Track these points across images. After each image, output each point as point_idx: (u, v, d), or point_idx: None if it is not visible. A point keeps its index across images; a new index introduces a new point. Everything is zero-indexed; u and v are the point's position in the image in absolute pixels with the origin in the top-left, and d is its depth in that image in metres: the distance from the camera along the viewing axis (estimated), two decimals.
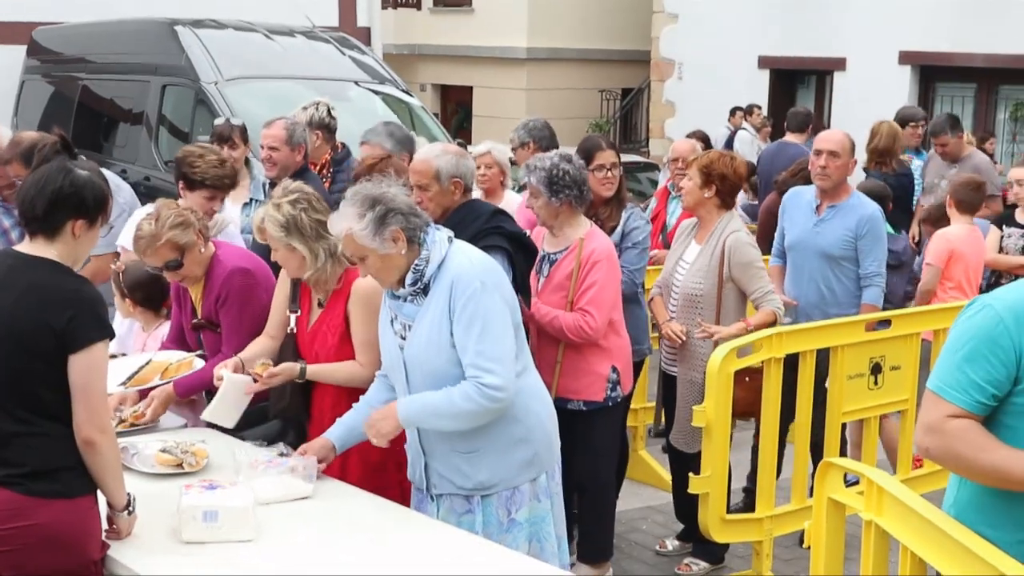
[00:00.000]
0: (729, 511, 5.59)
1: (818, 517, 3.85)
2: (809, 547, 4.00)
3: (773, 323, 5.54)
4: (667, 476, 6.33)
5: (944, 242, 7.24)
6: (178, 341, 5.14)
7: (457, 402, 3.94)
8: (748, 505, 6.06)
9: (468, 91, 24.23)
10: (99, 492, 3.59)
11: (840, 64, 18.05)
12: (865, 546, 3.56)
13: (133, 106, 11.75)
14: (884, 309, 6.70)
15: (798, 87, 19.42)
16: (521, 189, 7.17)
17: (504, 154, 7.02)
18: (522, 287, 4.96)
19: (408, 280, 3.99)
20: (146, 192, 8.98)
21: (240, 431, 4.70)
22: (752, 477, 6.15)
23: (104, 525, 3.64)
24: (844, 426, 5.92)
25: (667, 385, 5.84)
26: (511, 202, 6.62)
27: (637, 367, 5.92)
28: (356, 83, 11.80)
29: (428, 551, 3.71)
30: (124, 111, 11.94)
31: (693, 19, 19.72)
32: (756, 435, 6.01)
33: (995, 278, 7.97)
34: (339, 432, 4.26)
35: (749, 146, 15.23)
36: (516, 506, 4.15)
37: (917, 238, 9.22)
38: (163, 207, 4.88)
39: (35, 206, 3.55)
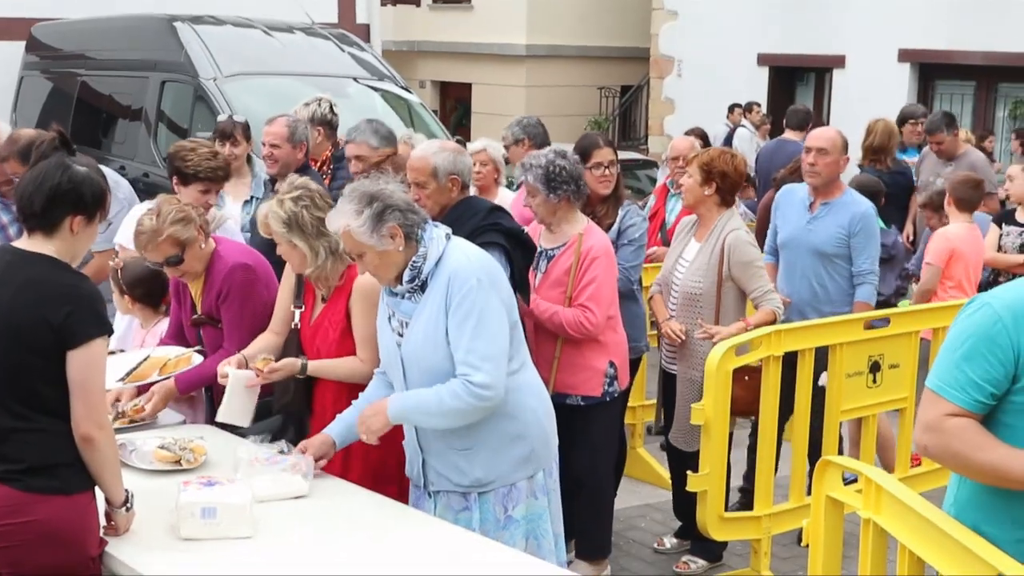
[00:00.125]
0: (727, 510, 5.59)
1: (816, 515, 3.85)
2: (807, 545, 4.01)
3: (773, 322, 5.53)
4: (666, 474, 6.34)
5: (944, 241, 7.25)
6: (177, 337, 5.14)
7: (446, 400, 3.95)
8: (745, 504, 6.06)
9: (467, 88, 24.23)
10: (97, 488, 3.59)
11: (839, 62, 18.05)
12: (863, 544, 3.56)
13: (132, 102, 11.74)
14: (878, 303, 6.72)
15: (797, 85, 19.42)
16: (512, 186, 7.19)
17: (499, 151, 7.03)
18: (520, 284, 4.97)
19: (406, 277, 4.00)
20: (145, 188, 8.98)
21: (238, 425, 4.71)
22: (749, 476, 6.15)
23: (102, 521, 3.64)
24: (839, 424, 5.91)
25: (667, 383, 5.84)
26: (504, 199, 6.63)
27: (634, 364, 5.93)
28: (355, 80, 11.79)
29: (425, 548, 3.71)
30: (123, 107, 11.93)
31: (692, 16, 19.72)
32: (752, 434, 6.01)
33: (993, 276, 7.98)
34: (339, 428, 4.26)
35: (748, 143, 15.23)
36: (513, 503, 4.16)
37: (912, 237, 9.21)
38: (164, 203, 4.88)
39: (33, 202, 3.55)
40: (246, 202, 6.89)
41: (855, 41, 17.61)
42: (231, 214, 6.33)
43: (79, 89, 12.55)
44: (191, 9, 12.18)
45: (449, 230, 4.12)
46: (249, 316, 4.84)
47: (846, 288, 6.21)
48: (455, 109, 24.85)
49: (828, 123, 17.35)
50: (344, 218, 3.96)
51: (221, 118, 7.44)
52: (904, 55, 17.28)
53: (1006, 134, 17.14)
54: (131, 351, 5.24)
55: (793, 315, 6.15)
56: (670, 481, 6.11)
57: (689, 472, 5.32)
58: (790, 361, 5.50)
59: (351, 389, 4.45)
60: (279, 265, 4.98)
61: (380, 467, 4.44)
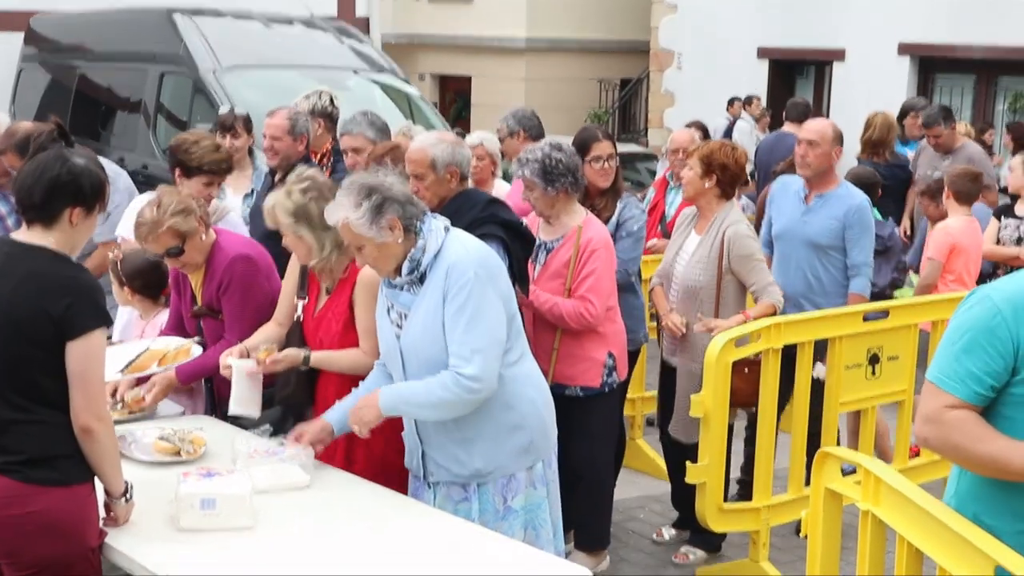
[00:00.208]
0: (726, 501, 5.59)
1: (815, 506, 3.85)
2: (806, 536, 4.01)
3: (773, 315, 5.53)
4: (664, 465, 6.34)
5: (945, 235, 7.24)
6: (177, 329, 5.14)
7: (436, 391, 3.96)
8: (744, 496, 6.07)
9: (467, 81, 24.20)
10: (97, 480, 3.59)
11: (839, 55, 18.03)
12: (862, 536, 3.57)
13: (131, 94, 11.73)
14: (873, 295, 6.72)
15: (797, 78, 19.40)
16: (507, 178, 7.18)
17: (495, 145, 7.02)
18: (519, 275, 4.97)
19: (405, 269, 4.00)
20: (144, 180, 8.97)
21: (240, 417, 4.71)
22: (746, 468, 6.16)
23: (102, 513, 3.64)
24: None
25: (667, 376, 5.84)
26: (500, 192, 6.63)
27: (633, 356, 5.93)
28: (355, 72, 11.79)
29: (424, 539, 3.72)
30: (122, 99, 11.93)
31: (692, 9, 19.70)
32: (747, 426, 6.01)
33: (992, 268, 7.99)
34: (337, 415, 4.26)
35: (748, 136, 15.24)
36: (512, 493, 4.16)
37: (909, 231, 9.21)
38: (165, 194, 4.87)
39: (32, 194, 3.55)
40: (247, 195, 6.89)
41: (855, 34, 17.59)
42: (232, 206, 6.33)
43: (78, 81, 12.54)
44: (190, 1, 12.17)
45: (448, 222, 4.12)
46: (251, 307, 4.84)
47: (840, 280, 6.21)
48: (455, 102, 24.82)
49: (828, 116, 17.34)
50: (343, 211, 3.96)
51: (223, 110, 7.44)
52: (904, 48, 17.26)
53: (1006, 128, 17.13)
54: (130, 343, 5.25)
55: (788, 307, 6.14)
56: (667, 472, 6.11)
57: (688, 463, 5.32)
58: (787, 353, 5.50)
59: (354, 381, 4.44)
60: (279, 257, 4.98)
61: (383, 459, 4.44)
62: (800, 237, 6.22)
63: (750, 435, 6.02)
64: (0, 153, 5.97)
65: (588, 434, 5.37)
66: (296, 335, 4.70)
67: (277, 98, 7.67)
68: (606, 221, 5.66)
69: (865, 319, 5.80)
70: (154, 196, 4.90)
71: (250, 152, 7.17)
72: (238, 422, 4.73)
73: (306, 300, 4.71)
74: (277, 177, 6.43)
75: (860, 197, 6.27)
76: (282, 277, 4.96)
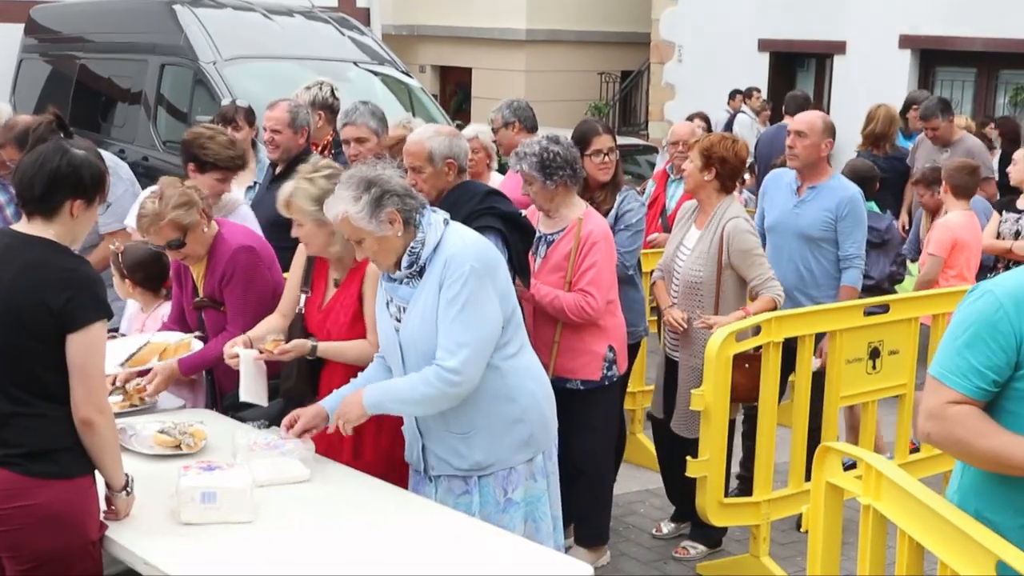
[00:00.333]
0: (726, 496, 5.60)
1: (816, 501, 3.85)
2: (806, 531, 4.01)
3: (773, 310, 5.53)
4: None
5: (947, 231, 7.22)
6: (179, 321, 5.14)
7: (418, 387, 3.97)
8: (743, 491, 6.07)
9: (467, 72, 24.16)
10: (97, 473, 3.59)
11: (840, 48, 17.99)
12: (863, 530, 3.57)
13: (131, 86, 11.72)
14: (868, 287, 6.73)
15: (798, 70, 19.36)
16: (503, 170, 7.17)
17: (490, 137, 7.00)
18: (519, 267, 4.96)
19: (404, 263, 3.99)
20: (144, 172, 8.96)
21: (240, 409, 4.71)
22: (745, 463, 6.16)
23: (102, 506, 3.64)
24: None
25: (669, 370, 5.83)
26: (494, 184, 6.61)
27: (633, 349, 5.93)
28: (355, 64, 11.77)
29: (425, 534, 3.72)
30: (122, 91, 11.91)
31: (693, 2, 19.65)
32: (746, 421, 6.01)
33: (994, 262, 7.98)
34: (333, 402, 4.25)
35: (748, 129, 15.20)
36: (513, 486, 4.16)
37: (907, 225, 9.20)
38: (167, 186, 4.86)
39: (33, 187, 3.55)
40: (249, 187, 6.88)
41: (856, 27, 17.56)
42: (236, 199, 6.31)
43: (78, 72, 12.52)
44: None
45: (447, 215, 4.12)
46: (254, 298, 4.83)
47: (832, 272, 6.22)
48: (455, 94, 24.79)
49: (828, 109, 17.31)
50: (342, 204, 3.95)
51: (225, 102, 7.42)
52: (905, 41, 17.23)
53: None
54: (131, 336, 5.25)
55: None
56: (659, 466, 6.10)
57: (689, 458, 5.32)
58: (784, 347, 5.50)
59: (356, 373, 4.44)
60: (280, 250, 4.97)
61: (390, 453, 4.43)
62: (792, 229, 6.22)
63: (748, 429, 6.03)
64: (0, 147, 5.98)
65: (588, 428, 5.37)
66: (298, 328, 4.69)
67: (278, 89, 7.66)
68: (605, 214, 5.65)
69: (866, 313, 5.80)
70: (156, 187, 4.89)
71: (252, 144, 7.15)
72: (238, 415, 4.73)
73: (309, 293, 4.71)
74: (278, 170, 6.42)
75: (852, 189, 6.28)
76: (284, 270, 4.96)
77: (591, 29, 23.22)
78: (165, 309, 5.31)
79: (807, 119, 6.33)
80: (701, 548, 5.84)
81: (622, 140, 6.70)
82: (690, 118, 11.20)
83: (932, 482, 4.01)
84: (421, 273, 4.00)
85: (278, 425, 4.38)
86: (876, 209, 7.13)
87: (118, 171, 6.15)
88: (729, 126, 15.43)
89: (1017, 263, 7.66)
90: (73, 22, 13.27)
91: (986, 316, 2.98)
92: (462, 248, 3.98)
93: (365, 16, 16.67)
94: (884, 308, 5.95)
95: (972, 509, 3.09)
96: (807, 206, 6.22)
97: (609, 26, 23.27)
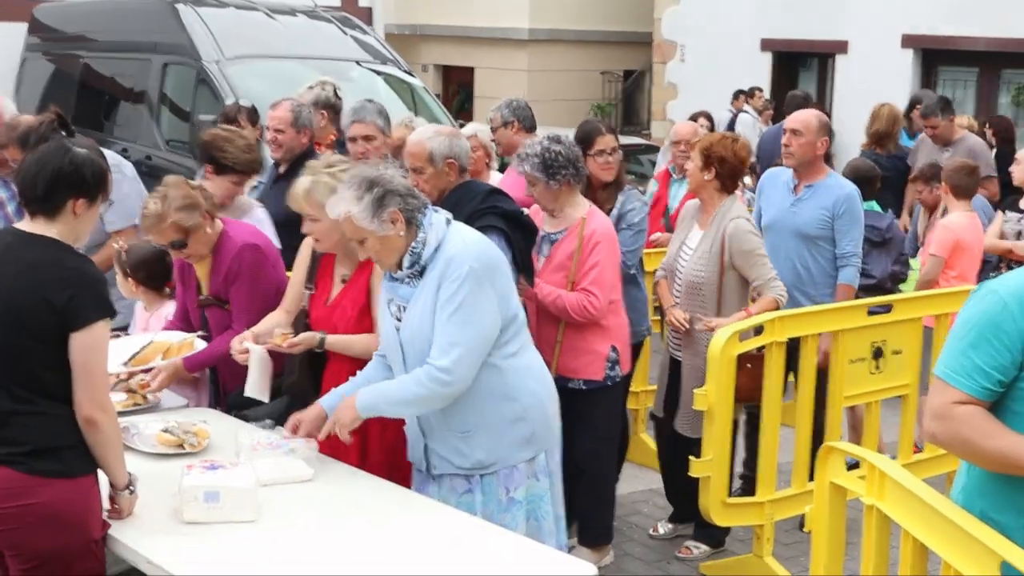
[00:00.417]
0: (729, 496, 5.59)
1: (819, 501, 3.85)
2: (810, 531, 4.01)
3: (775, 311, 5.52)
4: None
5: (949, 233, 7.19)
6: (183, 321, 5.13)
7: (410, 387, 3.98)
8: (746, 491, 6.06)
9: (470, 72, 24.16)
10: (100, 472, 3.59)
11: (842, 47, 17.99)
12: (866, 530, 3.56)
13: (134, 85, 11.73)
14: (870, 287, 6.72)
15: (800, 70, 19.36)
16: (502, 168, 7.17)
17: (489, 136, 7.00)
18: (523, 266, 4.96)
19: (405, 263, 4.00)
20: (147, 171, 8.95)
21: (244, 408, 4.71)
22: (748, 463, 6.16)
23: (105, 504, 3.64)
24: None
25: (672, 370, 5.83)
26: (493, 182, 6.61)
27: (636, 349, 5.93)
28: (358, 63, 11.77)
29: (428, 534, 3.72)
30: (125, 90, 11.92)
31: (695, 1, 19.66)
32: (747, 421, 6.01)
33: (998, 261, 7.96)
34: (332, 401, 4.24)
35: (751, 129, 15.19)
36: (514, 485, 4.16)
37: (908, 228, 9.18)
38: (171, 187, 4.85)
39: (36, 186, 3.55)
40: (253, 187, 6.87)
41: (858, 27, 17.55)
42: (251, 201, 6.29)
43: (81, 71, 12.53)
44: None
45: (450, 215, 4.11)
46: (259, 296, 4.83)
47: (829, 271, 6.22)
48: (457, 93, 24.79)
49: (830, 109, 17.31)
50: (345, 204, 3.95)
51: (229, 102, 7.42)
52: (907, 41, 17.22)
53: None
54: (134, 336, 5.25)
55: None
56: (660, 465, 6.10)
57: (692, 458, 5.32)
58: (786, 347, 5.50)
59: (358, 370, 4.43)
60: (287, 249, 4.97)
61: (395, 454, 4.42)
62: (789, 228, 6.22)
63: (749, 429, 6.03)
64: (2, 147, 5.98)
65: (591, 427, 5.37)
66: (301, 324, 4.68)
67: (280, 88, 7.65)
68: (608, 213, 5.65)
69: (869, 313, 5.79)
70: (160, 188, 4.88)
71: (257, 144, 7.14)
72: (241, 414, 4.73)
73: (313, 290, 4.71)
74: (281, 169, 6.42)
75: (849, 187, 6.29)
76: (288, 269, 4.95)
77: (593, 29, 23.22)
78: (168, 308, 5.31)
79: (802, 117, 6.34)
80: (704, 548, 5.84)
81: (624, 140, 6.69)
82: (694, 117, 11.20)
83: (935, 482, 4.00)
84: (422, 273, 4.00)
85: (282, 424, 4.38)
86: (877, 208, 7.12)
87: (123, 169, 6.15)
88: (732, 126, 15.41)
89: (1019, 263, 7.65)
90: (76, 21, 13.28)
91: (991, 316, 2.97)
92: (463, 249, 3.98)
93: (368, 15, 16.69)
94: (887, 308, 5.95)
95: (977, 510, 3.08)
96: (804, 205, 6.23)
97: (611, 26, 23.27)
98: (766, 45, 18.89)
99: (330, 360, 4.63)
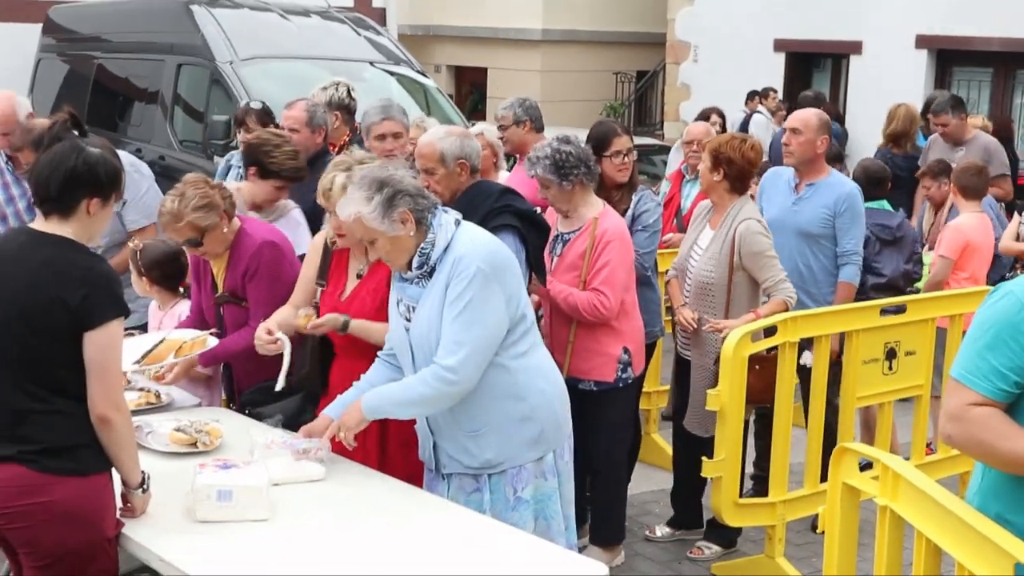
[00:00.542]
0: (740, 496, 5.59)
1: (833, 502, 3.84)
2: (821, 532, 4.00)
3: (784, 312, 5.51)
4: None
5: (959, 234, 7.16)
6: (197, 319, 5.14)
7: (415, 387, 3.99)
8: (757, 492, 6.06)
9: (483, 72, 24.15)
10: (114, 470, 3.60)
11: (856, 48, 17.94)
12: (880, 531, 3.55)
13: (148, 85, 11.75)
14: (881, 285, 6.71)
15: (814, 71, 19.31)
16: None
17: (495, 134, 6.99)
18: (536, 265, 4.96)
19: (415, 263, 4.00)
20: (161, 172, 8.96)
21: (258, 406, 4.72)
22: (758, 463, 6.16)
23: (119, 503, 3.65)
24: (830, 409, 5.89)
25: (681, 369, 5.83)
26: (501, 181, 6.61)
27: (649, 349, 5.92)
28: (371, 64, 11.78)
29: (439, 533, 3.72)
30: (139, 90, 11.94)
31: (709, 2, 19.62)
32: (756, 420, 6.00)
33: (1014, 263, 7.94)
34: (338, 410, 4.25)
35: (764, 130, 15.15)
36: (522, 484, 4.16)
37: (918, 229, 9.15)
38: (190, 185, 4.85)
39: (49, 186, 3.55)
40: None
41: (872, 27, 17.50)
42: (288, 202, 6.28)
43: (95, 72, 12.56)
44: None
45: (459, 216, 4.11)
46: (277, 294, 4.83)
47: (831, 269, 6.22)
48: (470, 94, 24.78)
49: (844, 109, 17.28)
50: (355, 205, 3.96)
51: (243, 104, 7.43)
52: (921, 41, 17.17)
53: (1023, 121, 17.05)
54: (147, 334, 5.26)
55: None
56: (673, 467, 6.10)
57: (704, 458, 5.31)
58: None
59: (365, 366, 4.43)
60: None
61: (411, 446, 4.41)
62: (791, 226, 6.21)
63: (759, 429, 6.03)
64: (17, 150, 6.01)
65: (603, 428, 5.37)
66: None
67: (294, 89, 7.66)
68: (622, 214, 5.65)
69: (882, 313, 5.78)
70: (179, 185, 4.89)
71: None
72: (254, 412, 4.75)
73: (324, 286, 4.71)
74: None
75: (850, 185, 6.30)
76: None
77: (606, 29, 23.19)
78: (182, 307, 5.33)
79: (802, 116, 6.36)
80: (716, 548, 5.84)
81: (637, 140, 6.68)
82: (706, 113, 11.16)
83: (948, 483, 3.99)
84: (431, 273, 4.01)
85: (295, 423, 4.39)
86: (888, 207, 7.11)
87: (140, 169, 6.19)
88: (745, 126, 15.39)
89: None
90: (90, 22, 13.31)
91: (1008, 317, 2.96)
92: (471, 249, 3.98)
93: (381, 16, 16.70)
94: (901, 308, 5.93)
95: (993, 512, 3.07)
96: (806, 203, 6.23)
97: (624, 26, 23.24)
98: (779, 46, 18.84)
99: (339, 355, 4.64)
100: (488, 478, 4.14)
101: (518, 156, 7.25)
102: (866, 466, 4.05)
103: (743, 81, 17.03)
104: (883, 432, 5.98)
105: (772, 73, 18.26)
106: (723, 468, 5.28)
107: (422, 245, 3.98)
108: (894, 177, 7.99)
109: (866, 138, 10.46)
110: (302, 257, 4.97)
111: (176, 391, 4.96)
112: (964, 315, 6.08)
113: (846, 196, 6.17)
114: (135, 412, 4.34)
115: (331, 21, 12.38)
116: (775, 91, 16.99)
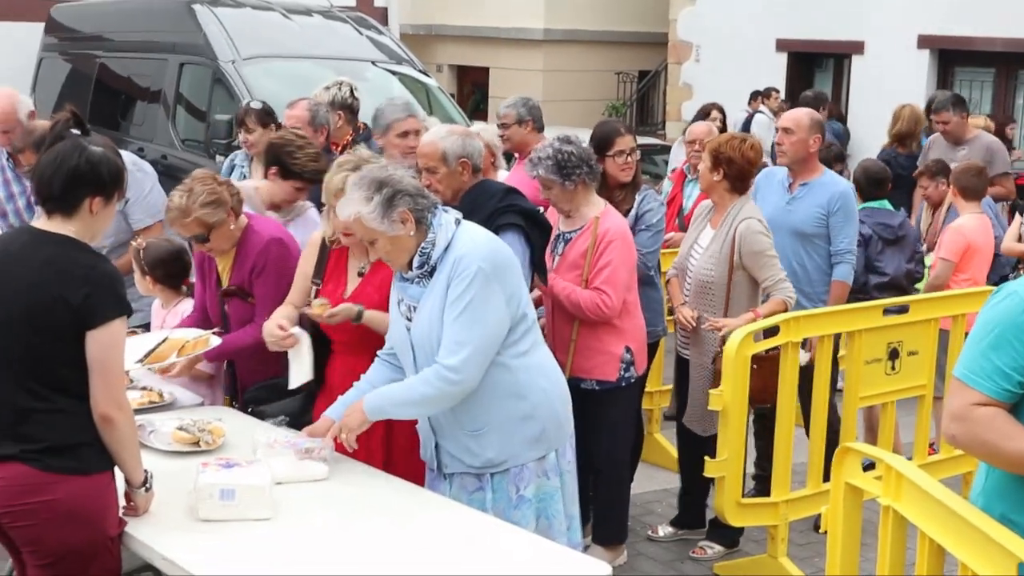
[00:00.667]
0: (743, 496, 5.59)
1: (835, 502, 3.84)
2: (824, 532, 4.00)
3: (783, 312, 5.51)
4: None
5: (960, 236, 7.14)
6: (201, 318, 5.14)
7: (417, 387, 3.99)
8: (759, 491, 6.06)
9: (485, 72, 24.15)
10: (116, 469, 3.60)
11: (858, 48, 17.94)
12: (882, 531, 3.55)
13: (151, 84, 11.75)
14: (883, 284, 6.70)
15: (816, 71, 19.31)
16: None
17: (493, 134, 6.99)
18: (538, 264, 4.96)
19: (415, 263, 4.00)
20: (163, 171, 8.95)
21: (262, 403, 4.71)
22: (760, 463, 6.15)
23: (121, 502, 3.65)
24: (832, 409, 5.89)
25: (681, 368, 5.83)
26: (500, 180, 6.61)
27: (652, 349, 5.92)
28: (373, 63, 11.78)
29: (442, 532, 3.72)
30: (142, 89, 11.94)
31: (711, 2, 19.62)
32: (756, 420, 6.00)
33: (1014, 265, 7.94)
34: (339, 411, 4.25)
35: (766, 129, 15.12)
36: (524, 483, 4.16)
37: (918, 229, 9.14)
38: (197, 182, 4.85)
39: (52, 185, 3.55)
40: None
41: (874, 27, 17.50)
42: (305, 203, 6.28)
43: (98, 71, 12.56)
44: None
45: (460, 215, 4.11)
46: (283, 291, 4.82)
47: (825, 268, 6.23)
48: (472, 93, 24.78)
49: (846, 109, 17.28)
50: (354, 205, 3.96)
51: (245, 104, 7.42)
52: (923, 41, 17.16)
53: None
54: (149, 333, 5.26)
55: None
56: (679, 466, 6.10)
57: (707, 458, 5.31)
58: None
59: (363, 367, 4.43)
60: None
61: (414, 455, 4.42)
62: (785, 226, 6.21)
63: (759, 429, 6.02)
64: (19, 151, 6.02)
65: (605, 428, 5.37)
66: (308, 319, 4.68)
67: (296, 89, 7.67)
68: (625, 214, 5.65)
69: (885, 313, 5.78)
70: (187, 181, 4.89)
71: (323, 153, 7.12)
72: (257, 410, 4.75)
73: (319, 285, 4.70)
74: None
75: (843, 184, 6.32)
76: None
77: (608, 29, 23.19)
78: (185, 306, 5.33)
79: (794, 115, 6.37)
80: (718, 548, 5.83)
81: (639, 140, 6.68)
82: (707, 110, 11.15)
83: (951, 483, 3.99)
84: (432, 273, 4.01)
85: (298, 422, 4.38)
86: (889, 207, 7.10)
87: (143, 168, 6.19)
88: (747, 126, 15.38)
89: None
90: (93, 21, 13.31)
91: (1012, 317, 2.96)
92: (472, 248, 3.98)
93: (383, 16, 16.69)
94: (903, 308, 5.93)
95: (997, 512, 3.07)
96: (799, 203, 6.24)
97: (626, 26, 23.24)
98: (781, 46, 18.84)
99: (338, 353, 4.64)
100: (491, 477, 4.14)
101: (517, 155, 7.25)
102: (869, 466, 4.04)
103: (745, 81, 17.03)
104: (886, 432, 5.98)
105: (774, 73, 18.26)
106: (726, 468, 5.27)
107: (422, 245, 3.98)
108: (899, 177, 7.99)
109: (868, 138, 10.46)
110: None
111: (179, 390, 4.97)
112: (967, 315, 6.08)
113: (839, 195, 6.18)
114: (137, 411, 4.33)
115: (333, 20, 12.38)
116: (777, 91, 16.99)
